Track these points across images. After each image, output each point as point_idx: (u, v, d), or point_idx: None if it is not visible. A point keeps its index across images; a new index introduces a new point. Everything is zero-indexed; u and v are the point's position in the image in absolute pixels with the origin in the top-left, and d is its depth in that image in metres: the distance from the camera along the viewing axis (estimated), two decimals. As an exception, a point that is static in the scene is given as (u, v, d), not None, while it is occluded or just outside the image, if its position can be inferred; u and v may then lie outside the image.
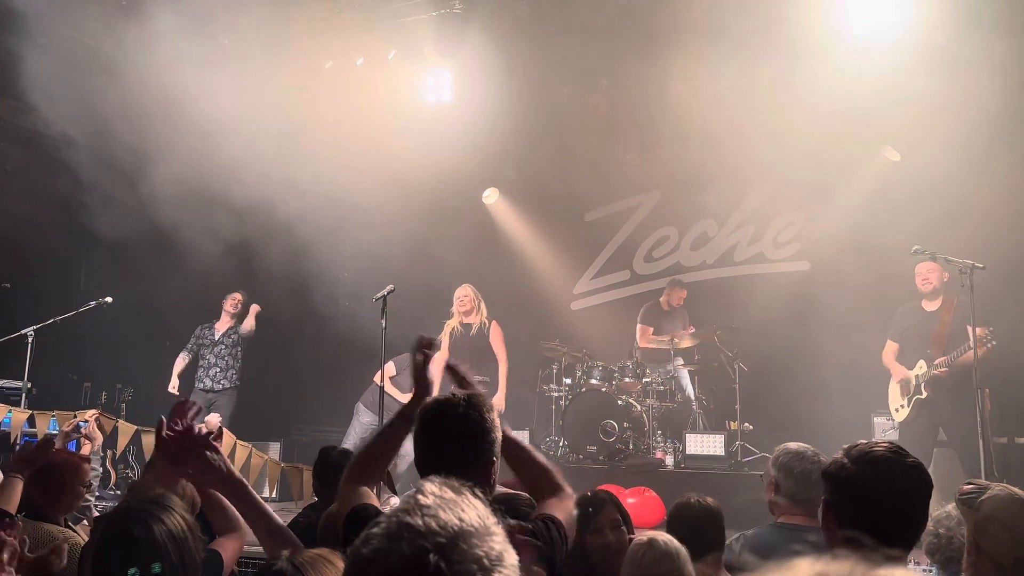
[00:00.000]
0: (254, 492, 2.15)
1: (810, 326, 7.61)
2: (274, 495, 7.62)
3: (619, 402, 7.95)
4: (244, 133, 7.59)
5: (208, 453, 2.08)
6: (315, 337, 10.05)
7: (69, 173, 7.95)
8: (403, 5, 7.68)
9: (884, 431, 6.66)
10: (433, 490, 1.05)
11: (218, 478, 2.08)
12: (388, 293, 6.45)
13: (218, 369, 7.98)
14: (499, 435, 2.05)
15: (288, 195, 7.87)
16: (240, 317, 8.21)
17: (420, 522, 0.98)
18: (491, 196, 10.09)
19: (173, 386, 8.02)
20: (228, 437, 7.23)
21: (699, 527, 2.84)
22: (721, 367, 8.29)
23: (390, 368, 8.08)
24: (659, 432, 8.01)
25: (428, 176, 8.53)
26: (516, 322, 9.58)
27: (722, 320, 8.31)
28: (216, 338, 8.12)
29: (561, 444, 8.26)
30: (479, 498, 1.08)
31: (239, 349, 8.19)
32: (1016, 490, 2.20)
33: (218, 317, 8.28)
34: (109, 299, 7.44)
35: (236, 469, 2.21)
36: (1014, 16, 6.18)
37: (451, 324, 7.85)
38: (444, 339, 7.83)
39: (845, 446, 2.13)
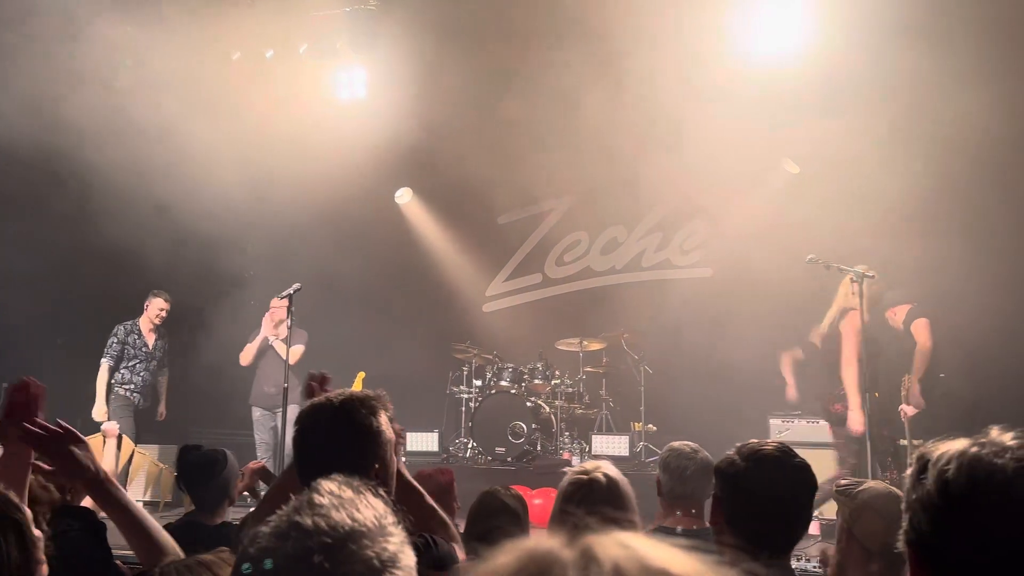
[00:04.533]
0: (127, 496, 2.01)
1: (713, 331, 7.83)
2: (169, 499, 7.51)
3: (528, 404, 8.01)
4: (147, 126, 7.30)
5: (75, 449, 1.94)
6: (219, 336, 9.74)
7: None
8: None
9: (779, 432, 6.91)
10: (331, 489, 1.02)
11: (87, 476, 1.95)
12: (295, 292, 6.34)
13: (151, 388, 7.60)
14: (390, 435, 1.92)
15: (193, 192, 7.59)
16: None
17: (309, 522, 0.96)
18: (404, 196, 10.00)
19: (101, 412, 7.11)
20: (127, 444, 7.06)
21: (497, 518, 2.88)
22: (628, 369, 8.46)
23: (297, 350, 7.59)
24: (567, 433, 8.11)
25: (339, 174, 8.37)
26: (427, 323, 9.56)
27: (630, 324, 8.47)
28: (150, 350, 7.54)
29: (470, 446, 8.26)
30: (380, 498, 1.05)
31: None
32: (891, 486, 2.33)
33: (130, 316, 7.61)
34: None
35: (109, 470, 2.08)
36: (911, 36, 6.49)
37: (846, 313, 5.74)
38: (817, 333, 6.21)
39: (738, 444, 2.21)
